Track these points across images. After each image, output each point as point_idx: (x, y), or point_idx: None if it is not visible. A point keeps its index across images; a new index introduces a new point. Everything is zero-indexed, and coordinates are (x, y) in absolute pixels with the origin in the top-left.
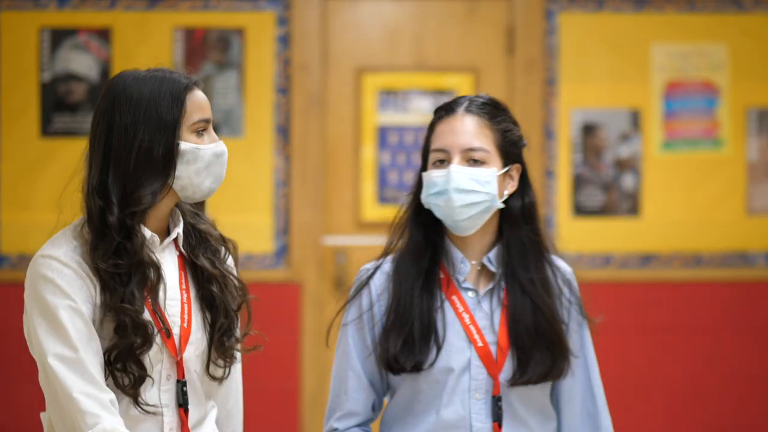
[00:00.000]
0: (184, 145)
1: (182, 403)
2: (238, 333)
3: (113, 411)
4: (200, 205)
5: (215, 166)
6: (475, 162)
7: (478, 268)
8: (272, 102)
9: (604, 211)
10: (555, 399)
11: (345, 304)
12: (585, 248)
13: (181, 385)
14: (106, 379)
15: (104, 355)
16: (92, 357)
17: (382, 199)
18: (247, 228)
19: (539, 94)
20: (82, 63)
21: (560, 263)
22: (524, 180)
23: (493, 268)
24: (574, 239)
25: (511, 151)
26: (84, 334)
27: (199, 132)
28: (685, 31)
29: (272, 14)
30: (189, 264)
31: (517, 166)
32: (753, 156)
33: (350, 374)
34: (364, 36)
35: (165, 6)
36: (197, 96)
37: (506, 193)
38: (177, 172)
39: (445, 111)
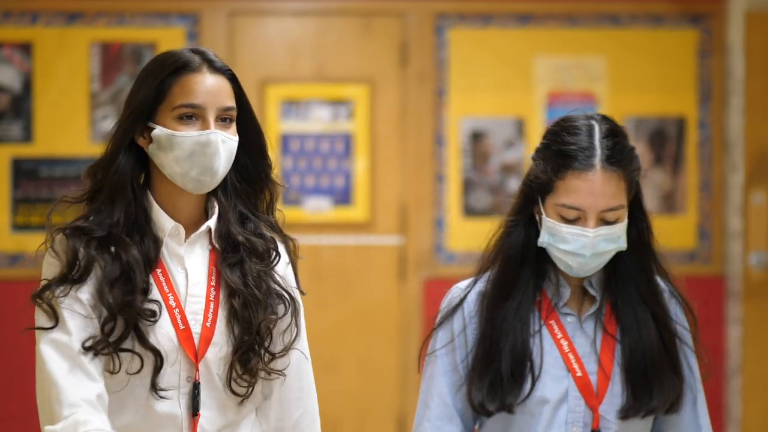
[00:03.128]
0: (158, 131)
1: (193, 408)
2: (277, 348)
3: (95, 405)
4: (253, 200)
5: (199, 156)
6: (608, 220)
7: (579, 291)
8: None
9: (492, 212)
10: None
11: (435, 327)
12: (474, 247)
13: (195, 387)
14: (114, 368)
15: (104, 330)
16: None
17: (285, 201)
18: None
19: (430, 104)
20: (5, 75)
21: (663, 282)
22: (636, 203)
23: (594, 293)
24: (464, 239)
25: (634, 188)
26: (80, 319)
27: (184, 117)
28: (566, 45)
29: (182, 29)
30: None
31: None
32: None
33: (436, 400)
34: (267, 50)
35: (83, 22)
36: (188, 79)
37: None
38: (158, 160)
39: (579, 162)
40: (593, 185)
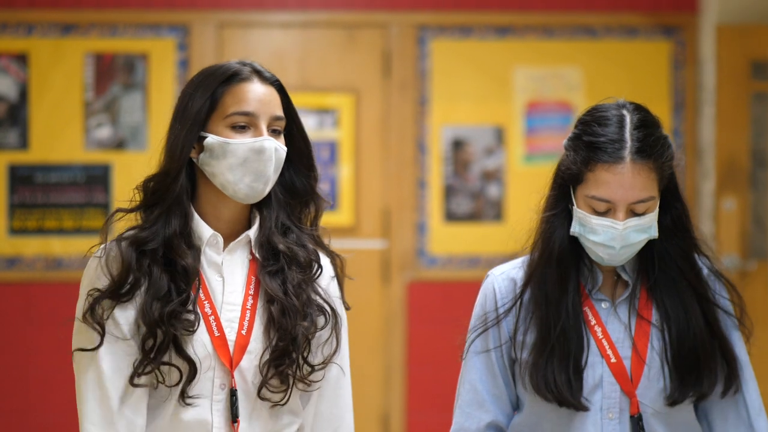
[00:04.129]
0: (211, 139)
1: (233, 415)
2: (316, 359)
3: None
4: (297, 213)
5: (253, 163)
6: (638, 212)
7: (612, 276)
8: None
9: (472, 217)
10: (702, 412)
11: (473, 318)
12: (455, 251)
13: (232, 394)
14: (156, 384)
15: (145, 348)
16: (115, 364)
17: None
18: None
19: (413, 113)
20: (2, 84)
21: (704, 261)
22: (671, 189)
23: (627, 278)
24: (446, 243)
25: (667, 176)
26: (122, 345)
27: (237, 127)
28: (543, 56)
29: (173, 41)
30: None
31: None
32: None
33: (467, 387)
34: (254, 60)
35: (77, 33)
36: (240, 88)
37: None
38: (210, 168)
39: (609, 155)
40: (623, 178)
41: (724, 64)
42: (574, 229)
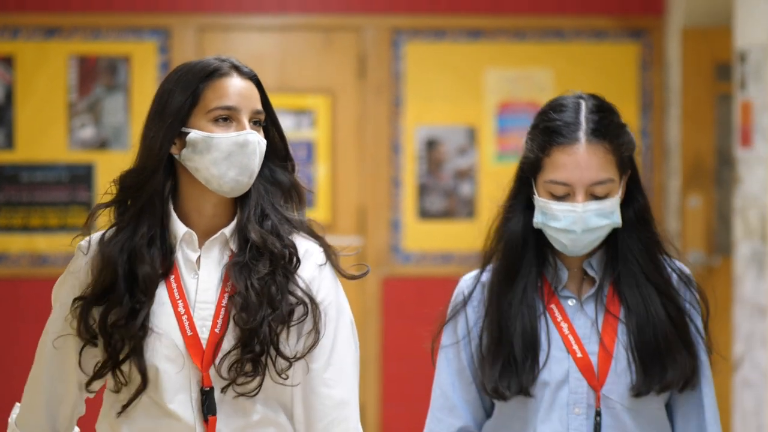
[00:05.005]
0: (193, 134)
1: (205, 413)
2: (289, 350)
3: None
4: (279, 201)
5: (237, 156)
6: (598, 195)
7: (579, 273)
8: None
9: (446, 214)
10: (669, 416)
11: (445, 321)
12: (429, 247)
13: (205, 392)
14: (116, 388)
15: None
16: (64, 360)
17: None
18: None
19: (387, 113)
20: None
21: (675, 264)
22: (633, 183)
23: (593, 273)
24: (420, 240)
25: (626, 164)
26: (65, 336)
27: (219, 120)
28: (514, 58)
29: (154, 44)
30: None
31: (627, 172)
32: None
33: (437, 392)
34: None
35: (61, 36)
36: (221, 83)
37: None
38: (193, 164)
39: (562, 136)
40: (578, 158)
41: (689, 66)
42: (537, 219)
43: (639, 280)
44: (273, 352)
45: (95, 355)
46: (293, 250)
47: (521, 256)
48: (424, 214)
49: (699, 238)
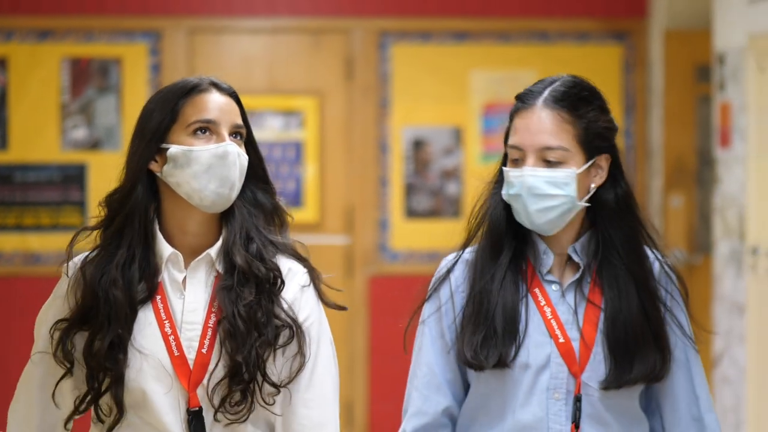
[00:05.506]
0: (173, 149)
1: None
2: (282, 375)
3: None
4: (262, 224)
5: (218, 168)
6: (551, 162)
7: (564, 259)
8: None
9: (432, 213)
10: (655, 403)
11: (424, 301)
12: (416, 246)
13: (192, 413)
14: (100, 418)
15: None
16: (46, 380)
17: None
18: None
19: (375, 114)
20: None
21: (657, 255)
22: (615, 169)
23: (578, 259)
24: (407, 238)
25: (595, 143)
26: (46, 354)
27: (199, 133)
28: (499, 60)
29: (145, 46)
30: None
31: (605, 156)
32: None
33: (424, 369)
34: (224, 64)
35: (54, 39)
36: (200, 98)
37: (593, 186)
38: (174, 179)
39: (522, 102)
40: (530, 122)
41: (671, 68)
42: (503, 191)
43: (618, 271)
44: (260, 378)
45: (73, 388)
46: (277, 272)
47: (504, 234)
48: (411, 213)
49: (681, 237)
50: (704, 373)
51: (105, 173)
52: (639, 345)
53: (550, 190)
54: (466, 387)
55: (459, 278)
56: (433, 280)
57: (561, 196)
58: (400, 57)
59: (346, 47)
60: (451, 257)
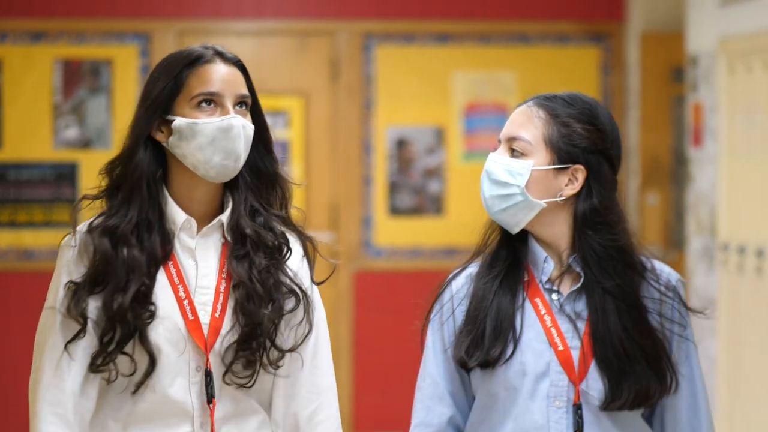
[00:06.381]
0: (178, 121)
1: (208, 396)
2: (288, 343)
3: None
4: (265, 195)
5: (222, 141)
6: (514, 152)
7: (563, 268)
8: None
9: (415, 211)
10: (659, 416)
11: (430, 309)
12: (399, 242)
13: (207, 375)
14: (111, 377)
15: (103, 341)
16: (78, 358)
17: None
18: None
19: (359, 115)
20: None
21: (660, 268)
22: (594, 183)
23: (578, 269)
24: (390, 235)
25: (567, 149)
26: (87, 339)
27: (203, 105)
28: (481, 62)
29: (136, 48)
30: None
31: (578, 167)
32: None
33: (427, 381)
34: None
35: (46, 41)
36: (204, 69)
37: (562, 193)
38: (180, 150)
39: (523, 102)
40: (513, 115)
41: (647, 70)
42: None
43: (595, 288)
44: (268, 344)
45: (84, 347)
46: (284, 240)
47: (504, 241)
48: (394, 210)
49: (656, 234)
50: (704, 380)
51: (96, 171)
52: (627, 366)
53: (504, 178)
54: (472, 398)
55: (460, 287)
56: (438, 292)
57: (512, 186)
58: (383, 58)
59: (331, 49)
60: (456, 269)
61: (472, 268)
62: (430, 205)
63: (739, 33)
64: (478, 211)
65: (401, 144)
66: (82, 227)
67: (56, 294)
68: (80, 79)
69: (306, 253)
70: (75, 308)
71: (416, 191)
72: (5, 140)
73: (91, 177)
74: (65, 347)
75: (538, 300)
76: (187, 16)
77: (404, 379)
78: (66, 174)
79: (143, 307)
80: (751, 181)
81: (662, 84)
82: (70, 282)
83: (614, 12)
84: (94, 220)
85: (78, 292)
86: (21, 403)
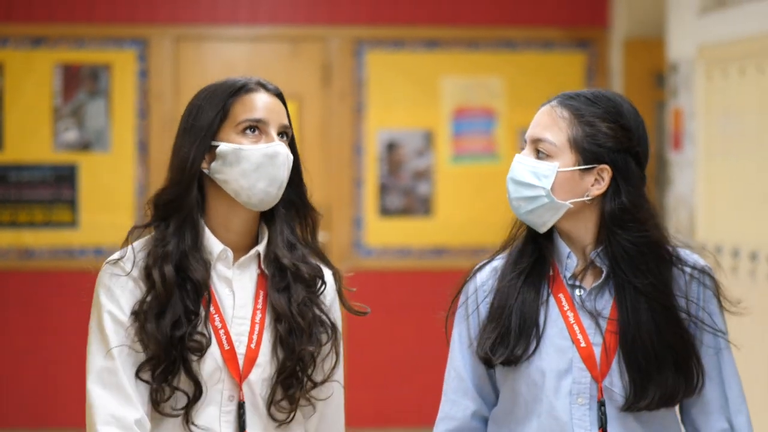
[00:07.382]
0: (223, 146)
1: (240, 427)
2: (318, 376)
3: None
4: (297, 227)
5: (267, 168)
6: (539, 154)
7: (586, 263)
8: (134, 124)
9: (404, 212)
10: (691, 414)
11: (453, 300)
12: (389, 243)
13: (240, 407)
14: (161, 398)
15: (147, 369)
16: (129, 370)
17: None
18: (112, 225)
19: (350, 118)
20: None
21: (690, 258)
22: (622, 182)
23: (600, 264)
24: (380, 235)
25: (593, 149)
26: (125, 347)
27: (248, 132)
28: (469, 67)
29: (133, 53)
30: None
31: (604, 167)
32: None
33: (452, 374)
34: (207, 70)
35: (47, 46)
36: (249, 97)
37: (587, 194)
38: (222, 176)
39: (547, 101)
40: (538, 116)
41: (631, 75)
42: None
43: (626, 285)
44: (305, 378)
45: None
46: (319, 273)
47: (530, 237)
48: (385, 211)
49: None
50: (736, 369)
51: (95, 173)
52: (654, 367)
53: (530, 180)
54: (497, 392)
55: (484, 279)
56: (462, 286)
57: (538, 188)
58: (374, 64)
59: (323, 54)
60: (482, 263)
61: (497, 262)
62: (419, 206)
63: (717, 41)
64: (467, 213)
65: (391, 147)
66: (130, 254)
67: (114, 322)
68: (79, 82)
69: (338, 288)
70: (144, 335)
71: (406, 193)
72: (6, 142)
73: (89, 179)
74: (137, 374)
75: (561, 296)
76: (184, 22)
77: (395, 376)
78: (65, 175)
79: (199, 335)
80: (727, 184)
81: (645, 89)
82: (135, 313)
83: (598, 19)
84: (141, 250)
85: (144, 322)
86: (23, 400)
